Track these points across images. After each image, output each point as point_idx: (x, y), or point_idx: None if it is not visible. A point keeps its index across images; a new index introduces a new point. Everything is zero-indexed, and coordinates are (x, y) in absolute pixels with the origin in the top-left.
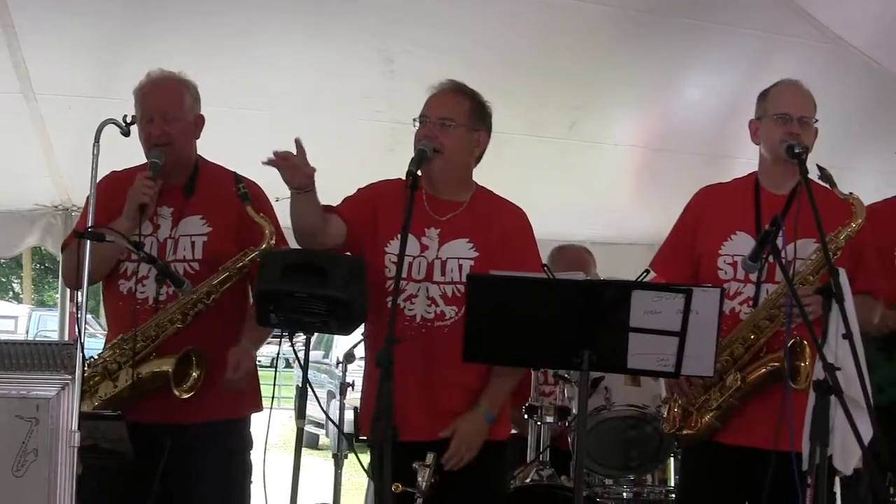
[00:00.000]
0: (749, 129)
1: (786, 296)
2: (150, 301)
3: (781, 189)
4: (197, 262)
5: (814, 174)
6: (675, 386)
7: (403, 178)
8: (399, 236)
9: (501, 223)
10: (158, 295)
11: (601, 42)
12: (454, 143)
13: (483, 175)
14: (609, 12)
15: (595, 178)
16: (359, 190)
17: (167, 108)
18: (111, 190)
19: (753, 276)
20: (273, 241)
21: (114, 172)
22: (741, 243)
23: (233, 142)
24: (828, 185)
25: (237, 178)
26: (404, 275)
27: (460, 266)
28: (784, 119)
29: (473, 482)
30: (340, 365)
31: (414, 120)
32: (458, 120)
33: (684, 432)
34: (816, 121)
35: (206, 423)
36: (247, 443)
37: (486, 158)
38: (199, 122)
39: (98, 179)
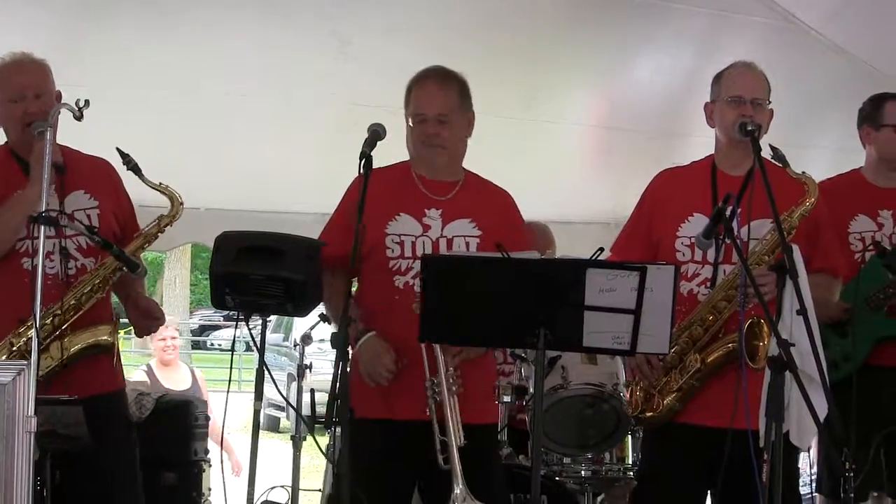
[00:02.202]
0: (705, 112)
1: (741, 276)
2: (60, 276)
3: (737, 170)
4: (97, 236)
5: (767, 154)
6: (637, 368)
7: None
8: (398, 217)
9: (496, 204)
10: (68, 270)
11: (556, 21)
12: (453, 136)
13: None
14: None
15: (551, 157)
16: (335, 213)
17: (37, 88)
18: None
19: (711, 257)
20: (182, 206)
21: None
22: (698, 225)
23: (186, 123)
24: (781, 165)
25: (123, 154)
26: (408, 253)
27: (467, 244)
28: (737, 101)
29: (474, 466)
30: (298, 347)
31: (409, 118)
32: (452, 112)
33: (647, 414)
34: (770, 102)
35: (115, 392)
36: None
37: None
38: (58, 98)
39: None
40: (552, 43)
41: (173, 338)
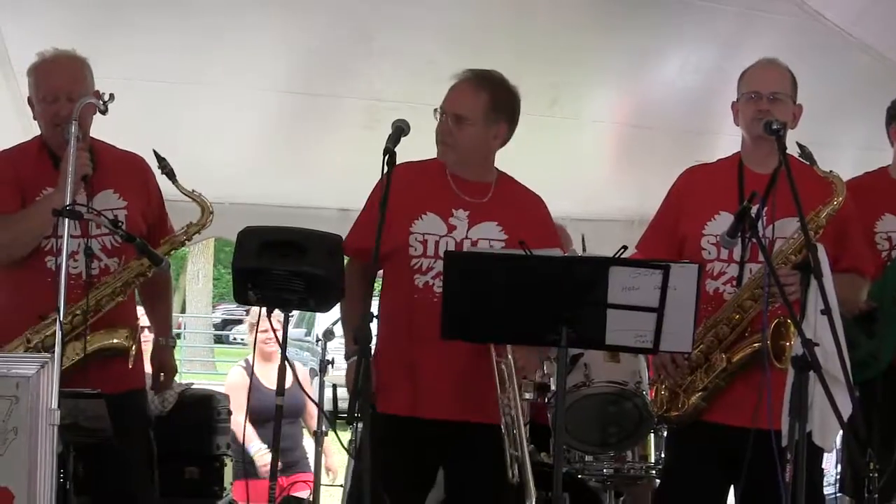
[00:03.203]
0: (732, 111)
1: (766, 275)
2: (84, 276)
3: (764, 168)
4: (121, 230)
5: (795, 152)
6: (662, 367)
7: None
8: (424, 215)
9: (527, 211)
10: (90, 270)
11: (580, 19)
12: (466, 140)
13: None
14: None
15: (575, 155)
16: (363, 210)
17: (71, 90)
18: (12, 168)
19: (737, 256)
20: (212, 215)
21: (4, 151)
22: (724, 223)
23: (210, 120)
24: (808, 163)
25: (160, 157)
26: (430, 252)
27: (491, 246)
28: (755, 97)
29: (485, 465)
30: (320, 342)
31: (434, 110)
32: (472, 117)
33: (672, 414)
34: (794, 98)
35: (133, 390)
36: None
37: None
38: (97, 97)
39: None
40: (577, 40)
41: (276, 329)
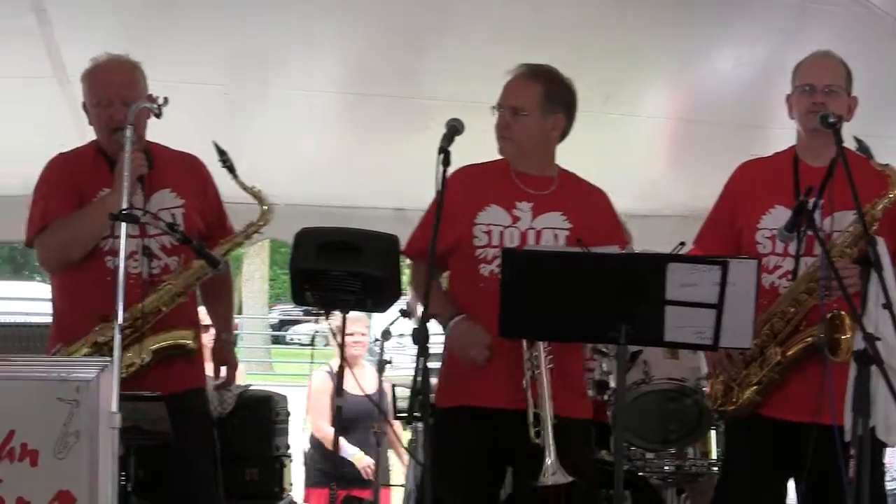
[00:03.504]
0: (787, 104)
1: (823, 268)
2: (145, 275)
3: (819, 161)
4: (178, 232)
5: (851, 145)
6: (717, 362)
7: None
8: (488, 207)
9: (592, 202)
10: (151, 269)
11: (634, 15)
12: (523, 131)
13: None
14: None
15: (630, 151)
16: (425, 216)
17: (125, 94)
18: (68, 171)
19: (792, 249)
20: (272, 213)
21: (61, 155)
22: (779, 217)
23: (264, 119)
24: (865, 156)
25: (221, 150)
26: (495, 242)
27: (555, 236)
28: (809, 90)
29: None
30: (378, 342)
31: (492, 108)
32: (528, 108)
33: (726, 407)
34: (849, 91)
35: (194, 389)
36: None
37: None
38: (150, 100)
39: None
40: (631, 36)
41: (363, 334)
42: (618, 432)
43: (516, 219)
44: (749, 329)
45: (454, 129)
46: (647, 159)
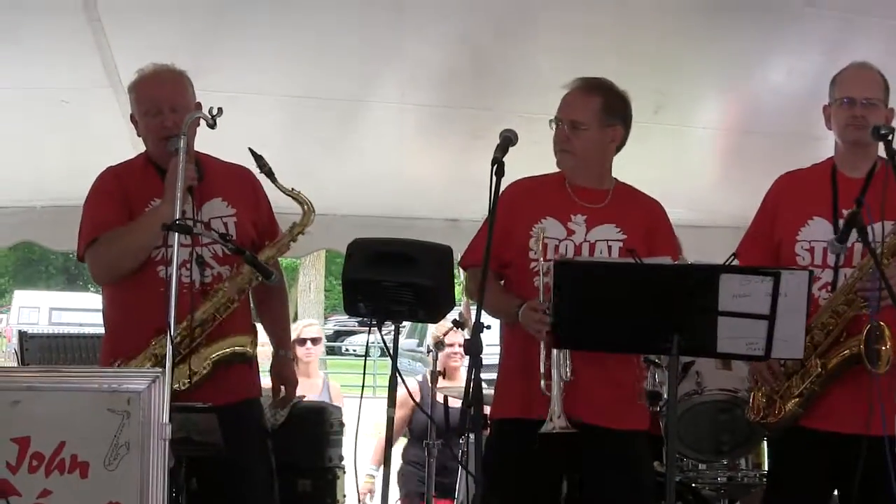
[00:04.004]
0: (824, 115)
1: (863, 280)
2: (197, 284)
3: (857, 172)
4: (231, 243)
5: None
6: (758, 374)
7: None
8: (544, 220)
9: (646, 212)
10: (204, 278)
11: (684, 26)
12: (584, 145)
13: None
14: None
15: (681, 162)
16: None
17: (174, 102)
18: (118, 183)
19: (831, 261)
20: (313, 213)
21: (110, 168)
22: (818, 228)
23: (318, 129)
24: None
25: (258, 156)
26: (550, 256)
27: (609, 247)
28: (849, 103)
29: (622, 470)
30: (431, 353)
31: (550, 121)
32: (587, 121)
33: (769, 420)
34: (887, 103)
35: (250, 399)
36: None
37: None
38: (198, 108)
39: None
40: (681, 47)
41: (460, 345)
42: (670, 443)
43: (571, 231)
44: (801, 340)
45: (508, 140)
46: (699, 170)
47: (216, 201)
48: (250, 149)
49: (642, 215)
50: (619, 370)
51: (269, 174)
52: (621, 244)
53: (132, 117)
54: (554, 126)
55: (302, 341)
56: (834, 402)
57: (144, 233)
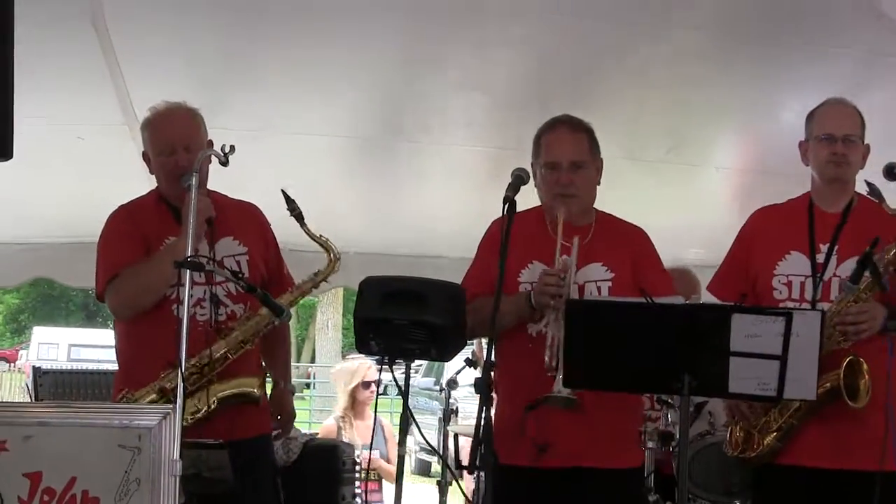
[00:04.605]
0: (800, 151)
1: (841, 314)
2: (212, 323)
3: (834, 207)
4: (243, 281)
5: (862, 189)
6: (735, 409)
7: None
8: (531, 264)
9: (630, 244)
10: (218, 316)
11: (696, 66)
12: (586, 183)
13: None
14: (702, 36)
15: (695, 201)
16: (477, 257)
17: (187, 141)
18: (132, 221)
19: (808, 296)
20: (339, 262)
21: (122, 207)
22: (796, 263)
23: (332, 168)
24: (877, 200)
25: (289, 199)
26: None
27: (598, 288)
28: (829, 139)
29: None
30: (444, 391)
31: (543, 167)
32: (585, 159)
33: (747, 454)
34: (863, 139)
35: (260, 436)
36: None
37: None
38: (209, 147)
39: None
40: (696, 86)
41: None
42: (681, 484)
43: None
44: (814, 380)
45: (519, 178)
46: (715, 209)
47: (228, 240)
48: (283, 191)
49: (627, 248)
50: (618, 409)
51: (299, 217)
52: (610, 283)
53: (144, 155)
54: (545, 170)
55: (367, 384)
56: (808, 435)
57: (163, 269)
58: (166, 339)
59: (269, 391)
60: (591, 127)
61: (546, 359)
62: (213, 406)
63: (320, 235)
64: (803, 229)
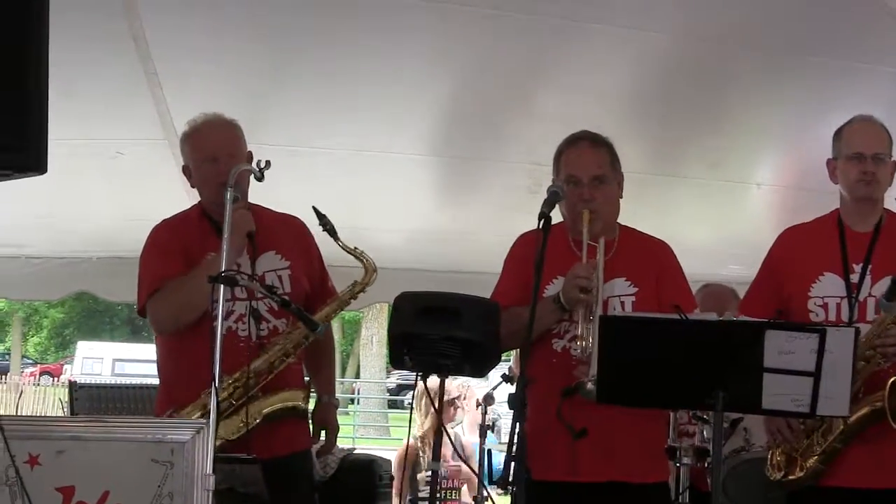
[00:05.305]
0: (827, 169)
1: (882, 336)
2: (254, 338)
3: (864, 226)
4: (286, 296)
5: (892, 206)
6: (777, 432)
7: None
8: (555, 280)
9: (654, 259)
10: (260, 331)
11: (741, 82)
12: (609, 198)
13: (623, 216)
14: (747, 52)
15: (736, 218)
16: (505, 271)
17: (230, 149)
18: (175, 235)
19: (845, 317)
20: (375, 273)
21: (165, 221)
22: (830, 284)
23: (372, 186)
24: None
25: (321, 214)
26: (565, 316)
27: (622, 303)
28: (858, 158)
29: None
30: (480, 407)
31: (565, 182)
32: (607, 174)
33: (789, 478)
34: (892, 156)
35: (300, 452)
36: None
37: (626, 199)
38: (249, 158)
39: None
40: (739, 104)
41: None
42: (715, 500)
43: None
44: (847, 397)
45: (555, 194)
46: (755, 227)
47: (270, 254)
48: (314, 207)
49: (651, 262)
50: (645, 424)
51: (332, 232)
52: (634, 298)
53: (185, 168)
54: (566, 186)
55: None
56: (850, 458)
57: (201, 284)
58: (207, 355)
59: (311, 405)
60: (610, 142)
61: (578, 351)
62: (256, 421)
63: (354, 248)
64: (835, 250)
